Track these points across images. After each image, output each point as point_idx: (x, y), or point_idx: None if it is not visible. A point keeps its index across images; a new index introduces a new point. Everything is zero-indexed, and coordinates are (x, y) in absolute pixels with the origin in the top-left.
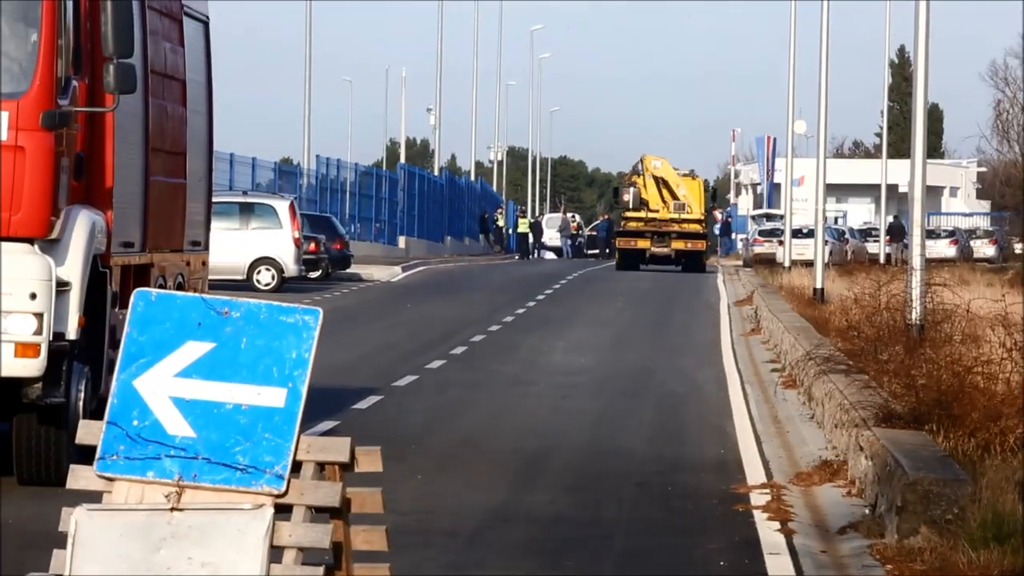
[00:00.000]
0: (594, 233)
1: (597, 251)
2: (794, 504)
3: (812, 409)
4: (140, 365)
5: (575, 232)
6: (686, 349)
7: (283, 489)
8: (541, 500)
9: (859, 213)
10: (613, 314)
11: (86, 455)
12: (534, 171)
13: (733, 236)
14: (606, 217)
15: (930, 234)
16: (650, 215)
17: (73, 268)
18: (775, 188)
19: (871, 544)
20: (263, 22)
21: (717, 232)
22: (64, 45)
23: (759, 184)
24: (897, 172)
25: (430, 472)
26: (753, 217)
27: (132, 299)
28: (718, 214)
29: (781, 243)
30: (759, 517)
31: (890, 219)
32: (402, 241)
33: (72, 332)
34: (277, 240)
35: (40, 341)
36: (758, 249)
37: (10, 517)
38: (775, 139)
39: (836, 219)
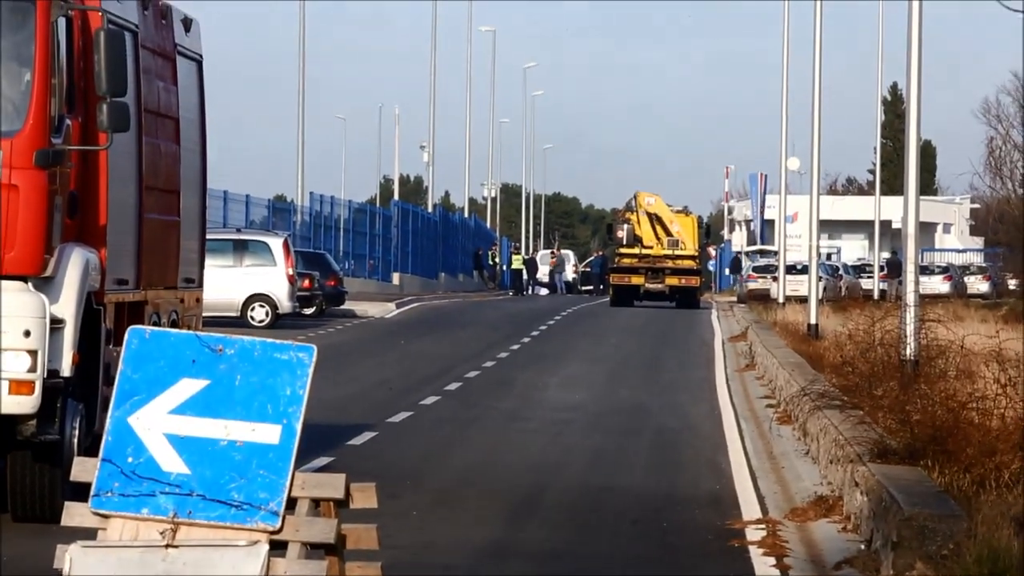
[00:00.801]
0: (588, 269)
1: (591, 287)
2: (790, 539)
3: (807, 445)
4: (135, 402)
5: (552, 266)
6: (681, 385)
7: (278, 525)
8: (537, 536)
9: (852, 249)
10: (607, 350)
11: (81, 492)
12: (528, 208)
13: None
14: (600, 253)
15: (924, 270)
16: (644, 251)
17: (67, 306)
18: (767, 224)
19: None
20: (256, 60)
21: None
22: (58, 84)
23: (752, 220)
24: (890, 208)
25: (425, 508)
26: (747, 254)
27: (126, 337)
28: (712, 251)
29: (775, 279)
30: (755, 552)
31: (886, 255)
32: (396, 277)
33: (66, 369)
34: (271, 277)
35: (34, 378)
36: (752, 285)
37: (5, 554)
38: (766, 176)
39: (830, 255)
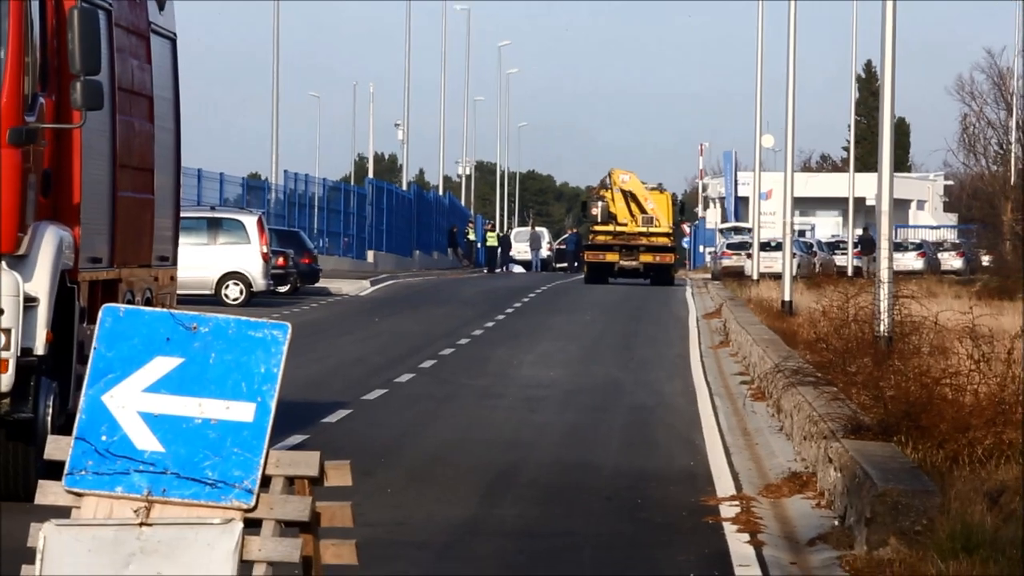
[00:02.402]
0: (563, 247)
1: (566, 265)
2: (764, 516)
3: (781, 421)
4: (108, 380)
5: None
6: (655, 362)
7: (252, 503)
8: (511, 513)
9: (827, 226)
10: (582, 327)
11: (54, 470)
12: (502, 185)
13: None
14: (574, 231)
15: (898, 247)
16: (618, 229)
17: (41, 284)
18: (741, 201)
19: (840, 555)
20: (230, 38)
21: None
22: (31, 62)
23: (726, 198)
24: (864, 185)
25: (400, 486)
26: (721, 231)
27: (100, 315)
28: (686, 227)
29: (749, 256)
30: (729, 529)
31: (859, 232)
32: (371, 255)
33: (40, 347)
34: (245, 255)
35: (8, 356)
36: (726, 262)
37: None
38: (737, 152)
39: (804, 232)
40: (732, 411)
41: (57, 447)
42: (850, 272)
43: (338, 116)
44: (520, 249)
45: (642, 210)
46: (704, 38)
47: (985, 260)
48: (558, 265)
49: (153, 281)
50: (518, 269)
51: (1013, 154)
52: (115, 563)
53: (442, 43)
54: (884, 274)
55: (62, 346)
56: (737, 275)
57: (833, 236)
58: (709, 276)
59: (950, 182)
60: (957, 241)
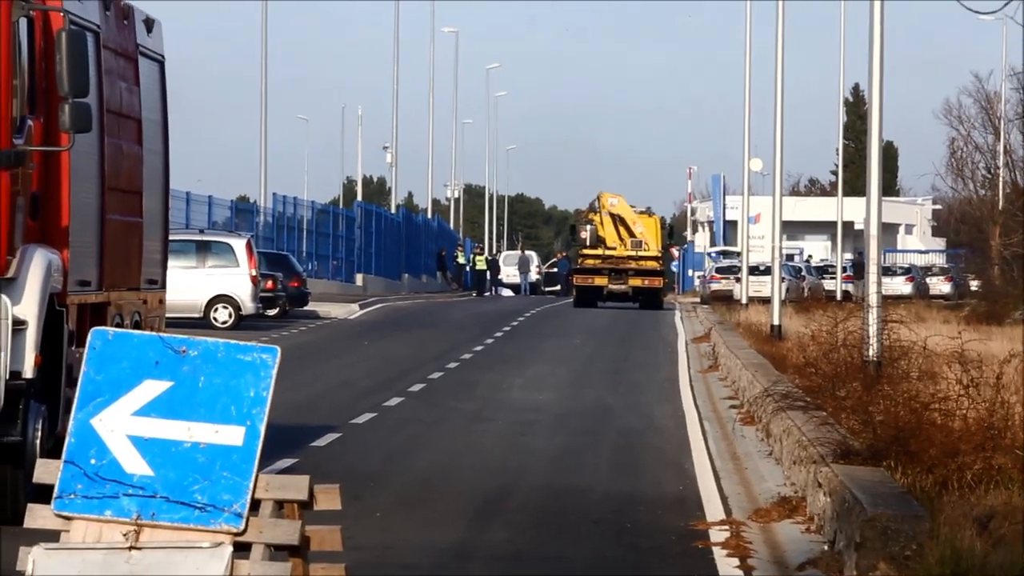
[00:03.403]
0: (554, 270)
1: (556, 288)
2: (753, 540)
3: (770, 446)
4: (97, 404)
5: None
6: (644, 386)
7: (242, 527)
8: (500, 538)
9: (815, 250)
10: (571, 351)
11: (43, 494)
12: (491, 208)
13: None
14: (565, 255)
15: (886, 271)
16: (607, 252)
17: (29, 307)
18: (729, 225)
19: None
20: (219, 61)
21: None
22: (19, 85)
23: (715, 221)
24: (853, 209)
25: (389, 510)
26: (710, 254)
27: (89, 338)
28: (675, 251)
29: (738, 280)
30: (718, 554)
31: (849, 256)
32: (359, 279)
33: (29, 371)
34: (234, 278)
35: None
36: (715, 286)
37: None
38: (725, 176)
39: (793, 256)
40: (721, 435)
41: (46, 470)
42: (839, 296)
43: (327, 139)
44: (509, 272)
45: (631, 234)
46: (692, 61)
47: (973, 285)
48: (548, 289)
49: (142, 304)
50: (507, 292)
51: (1001, 178)
52: None
53: (430, 66)
54: (873, 299)
55: (51, 369)
56: (726, 299)
57: (822, 260)
58: (698, 300)
59: (938, 206)
60: (945, 266)
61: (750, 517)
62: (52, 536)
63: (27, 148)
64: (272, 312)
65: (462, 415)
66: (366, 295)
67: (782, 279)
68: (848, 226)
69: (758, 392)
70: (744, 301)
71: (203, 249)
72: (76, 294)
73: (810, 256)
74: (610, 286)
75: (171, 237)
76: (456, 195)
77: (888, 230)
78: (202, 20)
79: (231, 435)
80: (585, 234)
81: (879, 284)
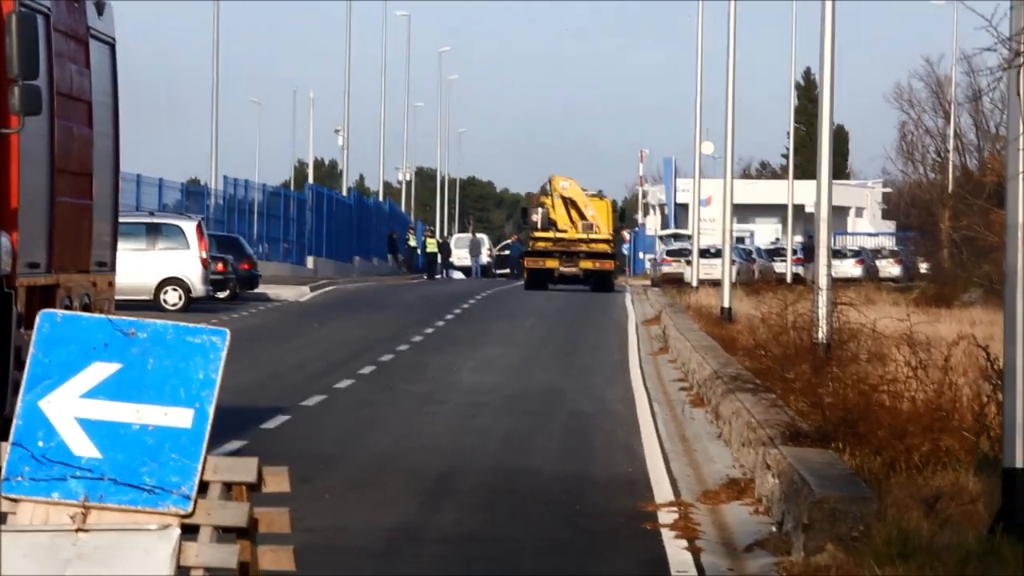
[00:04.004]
0: (506, 253)
1: (507, 271)
2: (702, 522)
3: (720, 428)
4: (45, 386)
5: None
6: (595, 368)
7: (190, 509)
8: (450, 519)
9: (766, 233)
10: (522, 334)
11: None
12: (442, 191)
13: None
14: (518, 238)
15: (836, 254)
16: (558, 235)
17: None
18: (681, 208)
19: (778, 561)
20: (170, 43)
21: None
22: None
23: (666, 204)
24: (804, 192)
25: (339, 492)
26: (661, 237)
27: (38, 320)
28: (626, 234)
29: (689, 263)
30: (667, 535)
31: (799, 239)
32: (310, 261)
33: None
34: (184, 260)
35: None
36: (666, 269)
37: None
38: (676, 159)
39: (742, 239)
40: (671, 417)
41: None
42: (789, 279)
43: (278, 122)
44: (460, 255)
45: (582, 216)
46: (643, 45)
47: (923, 267)
48: (499, 271)
49: (91, 287)
50: (458, 275)
51: (951, 162)
52: (51, 569)
53: (382, 49)
54: (822, 281)
55: None
56: (677, 282)
57: (772, 242)
58: (649, 283)
59: (888, 189)
60: (895, 248)
61: (699, 499)
62: None
63: None
64: (223, 295)
65: (413, 397)
66: (317, 278)
67: (732, 262)
68: (799, 209)
69: (708, 374)
70: (695, 284)
71: (153, 231)
72: (25, 276)
73: (744, 237)
74: (561, 269)
75: (121, 219)
76: (408, 178)
77: (838, 213)
78: (153, 2)
79: (180, 417)
80: (536, 217)
81: (829, 267)
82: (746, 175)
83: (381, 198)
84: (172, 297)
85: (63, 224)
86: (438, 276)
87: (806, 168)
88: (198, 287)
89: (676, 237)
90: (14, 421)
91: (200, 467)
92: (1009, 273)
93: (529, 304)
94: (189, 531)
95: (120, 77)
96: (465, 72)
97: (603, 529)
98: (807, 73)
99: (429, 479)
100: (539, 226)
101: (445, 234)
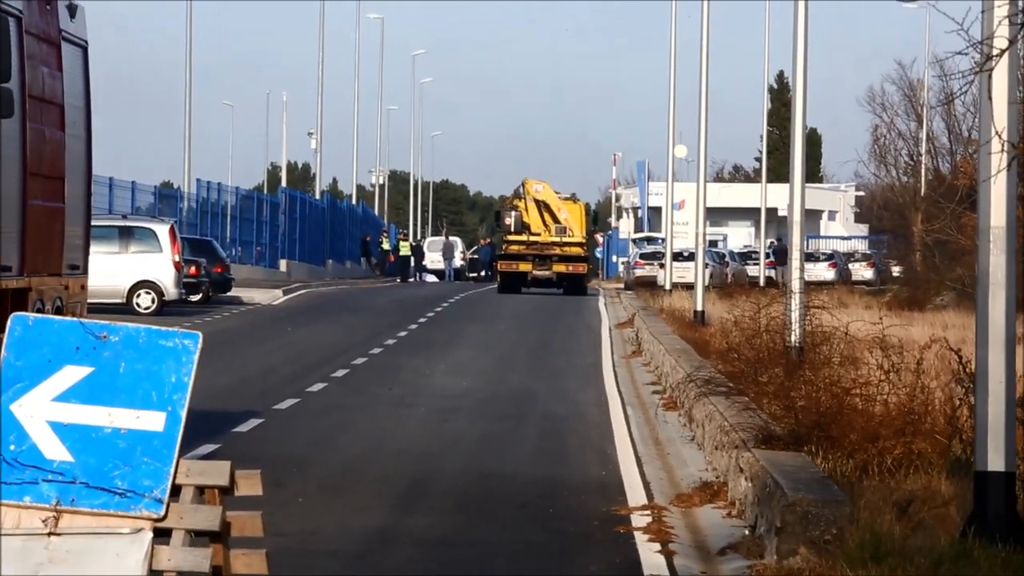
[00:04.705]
0: (476, 256)
1: (476, 274)
2: (675, 525)
3: (693, 431)
4: (17, 390)
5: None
6: (568, 372)
7: (162, 513)
8: (423, 523)
9: (739, 236)
10: (495, 337)
11: None
12: (416, 195)
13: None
14: (489, 242)
15: (809, 257)
16: (532, 238)
17: None
18: (654, 212)
19: (751, 565)
20: (143, 46)
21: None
22: None
23: (640, 208)
24: (777, 196)
25: (311, 495)
26: (634, 240)
27: (9, 324)
28: (599, 237)
29: (662, 266)
30: (640, 538)
31: (772, 241)
32: (283, 264)
33: None
34: (157, 264)
35: None
36: (639, 272)
37: None
38: (649, 162)
39: (715, 242)
40: (644, 421)
41: None
42: (762, 282)
43: (251, 125)
44: (433, 258)
45: (555, 220)
46: (616, 48)
47: (895, 271)
48: (471, 274)
49: (63, 290)
50: (431, 279)
51: (923, 165)
52: (23, 572)
53: (356, 52)
54: (795, 284)
55: None
56: (650, 285)
57: (746, 246)
58: (622, 286)
59: (861, 193)
60: (868, 252)
61: (672, 502)
62: None
63: None
64: (195, 298)
65: (386, 401)
66: (290, 281)
67: (706, 265)
68: (772, 212)
69: (681, 377)
70: (668, 287)
71: (126, 234)
72: None
73: (717, 240)
74: (534, 272)
75: (94, 223)
76: (381, 181)
77: (811, 216)
78: (126, 5)
79: (152, 421)
80: (510, 220)
81: (802, 270)
82: (719, 178)
83: (354, 201)
84: (145, 300)
85: (35, 227)
86: (411, 279)
87: (779, 171)
88: (171, 290)
89: (649, 240)
90: None
91: (172, 470)
92: (981, 276)
93: (502, 307)
94: (161, 535)
95: (92, 79)
96: (439, 75)
97: (576, 532)
98: (780, 76)
99: (402, 483)
100: (512, 229)
101: (418, 237)
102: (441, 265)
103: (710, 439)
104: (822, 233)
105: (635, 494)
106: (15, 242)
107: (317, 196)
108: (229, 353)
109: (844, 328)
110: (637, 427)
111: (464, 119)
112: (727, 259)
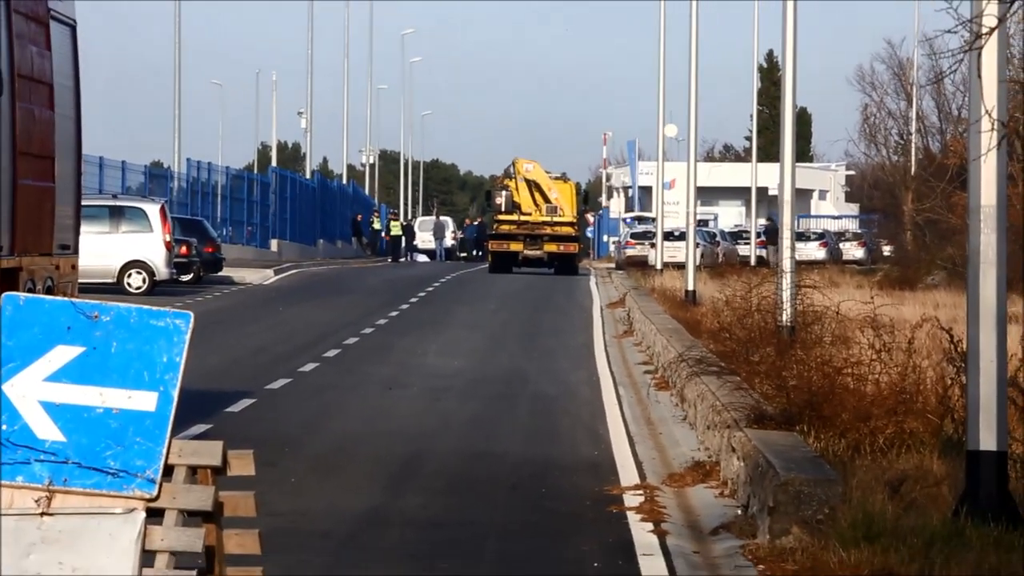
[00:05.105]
0: (463, 235)
1: (466, 254)
2: (667, 505)
3: (685, 410)
4: (8, 370)
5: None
6: (559, 352)
7: (155, 493)
8: (415, 503)
9: (729, 216)
10: (486, 317)
11: None
12: (406, 174)
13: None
14: (476, 221)
15: (800, 236)
16: (522, 218)
17: None
18: (645, 191)
19: (743, 544)
20: (132, 25)
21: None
22: None
23: (630, 187)
24: (767, 175)
25: (303, 475)
26: (625, 220)
27: (0, 303)
28: (590, 217)
29: (653, 246)
30: (632, 518)
31: (763, 221)
32: (274, 244)
33: None
34: (148, 243)
35: None
36: (630, 252)
37: None
38: (640, 142)
39: (706, 222)
40: (636, 400)
41: None
42: (753, 262)
43: (241, 104)
44: (424, 238)
45: (546, 199)
46: (607, 27)
47: (886, 250)
48: (462, 254)
49: (54, 269)
50: (422, 258)
51: (913, 144)
52: (15, 553)
53: (345, 31)
54: (786, 264)
55: None
56: (641, 265)
57: (736, 226)
58: (613, 266)
59: (851, 172)
60: (859, 231)
61: (664, 482)
62: None
63: None
64: (186, 278)
65: (378, 380)
66: (281, 261)
67: (696, 244)
68: (762, 192)
69: (672, 357)
70: (659, 267)
71: (117, 214)
72: None
73: (707, 220)
74: (525, 252)
75: (84, 202)
76: (371, 161)
77: (802, 196)
78: None
79: (144, 401)
80: (500, 200)
81: (792, 249)
82: (710, 158)
83: (345, 181)
84: (136, 280)
85: (25, 207)
86: (402, 259)
87: (769, 151)
88: (162, 270)
89: (640, 220)
90: None
91: (165, 450)
92: (972, 255)
93: (494, 287)
94: (154, 515)
95: (81, 59)
96: (428, 56)
97: (569, 512)
98: (770, 55)
99: (394, 463)
100: (503, 209)
101: (409, 217)
102: (432, 245)
103: (702, 419)
104: (813, 213)
105: (627, 474)
106: (5, 222)
107: (308, 176)
108: (221, 333)
109: (835, 308)
110: (629, 407)
111: (454, 99)
112: (718, 239)
